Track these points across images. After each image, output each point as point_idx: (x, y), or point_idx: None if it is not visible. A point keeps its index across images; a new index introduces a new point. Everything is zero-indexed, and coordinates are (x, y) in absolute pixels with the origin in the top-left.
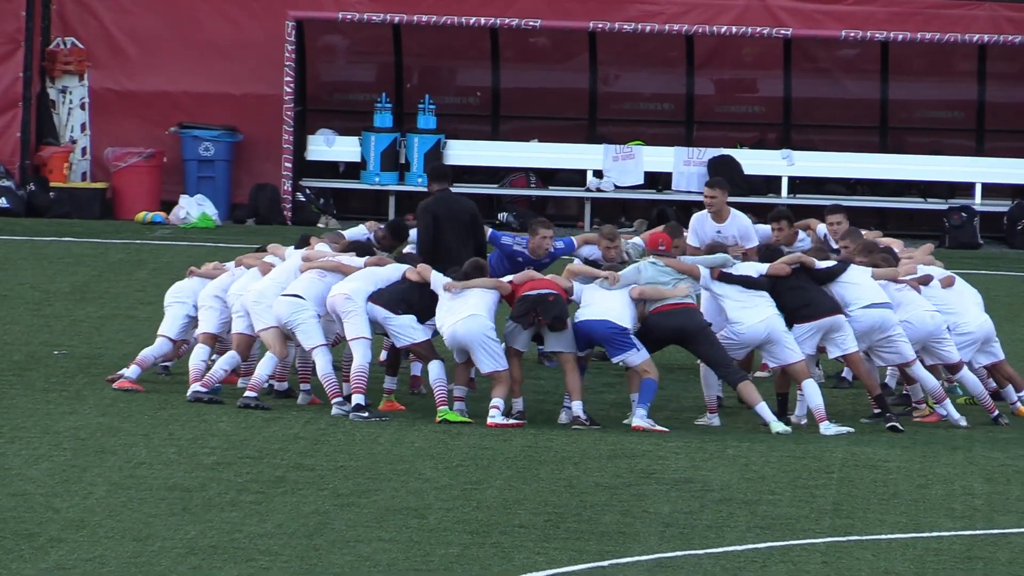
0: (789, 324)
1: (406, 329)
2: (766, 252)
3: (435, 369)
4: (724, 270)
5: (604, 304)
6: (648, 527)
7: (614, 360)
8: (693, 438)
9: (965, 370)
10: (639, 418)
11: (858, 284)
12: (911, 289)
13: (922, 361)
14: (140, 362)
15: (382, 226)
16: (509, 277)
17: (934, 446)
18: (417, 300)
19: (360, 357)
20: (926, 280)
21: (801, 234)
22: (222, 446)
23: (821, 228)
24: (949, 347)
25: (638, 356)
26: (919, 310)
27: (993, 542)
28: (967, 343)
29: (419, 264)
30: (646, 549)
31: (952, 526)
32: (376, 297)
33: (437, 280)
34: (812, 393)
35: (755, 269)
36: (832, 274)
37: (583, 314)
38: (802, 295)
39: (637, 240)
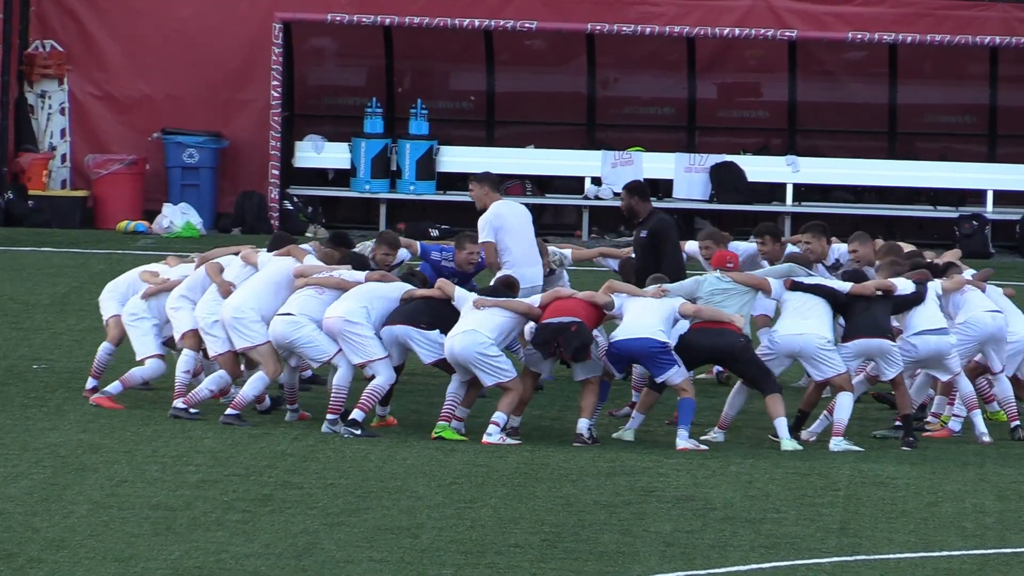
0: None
1: (434, 344)
2: (851, 275)
3: (454, 382)
4: (795, 279)
5: (641, 321)
6: (648, 546)
7: (658, 380)
8: (695, 454)
9: (1002, 376)
10: (683, 440)
11: (916, 308)
12: (974, 289)
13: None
14: (125, 380)
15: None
16: (537, 299)
17: (944, 463)
18: (436, 315)
19: (382, 378)
20: (984, 279)
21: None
22: (207, 463)
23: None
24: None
25: (679, 374)
26: (979, 311)
27: (1005, 562)
28: (1012, 352)
29: (439, 280)
30: (646, 569)
31: (963, 545)
32: (393, 317)
33: (462, 296)
34: (844, 406)
35: (839, 285)
36: (909, 302)
37: (619, 333)
38: (861, 315)
39: (566, 251)
